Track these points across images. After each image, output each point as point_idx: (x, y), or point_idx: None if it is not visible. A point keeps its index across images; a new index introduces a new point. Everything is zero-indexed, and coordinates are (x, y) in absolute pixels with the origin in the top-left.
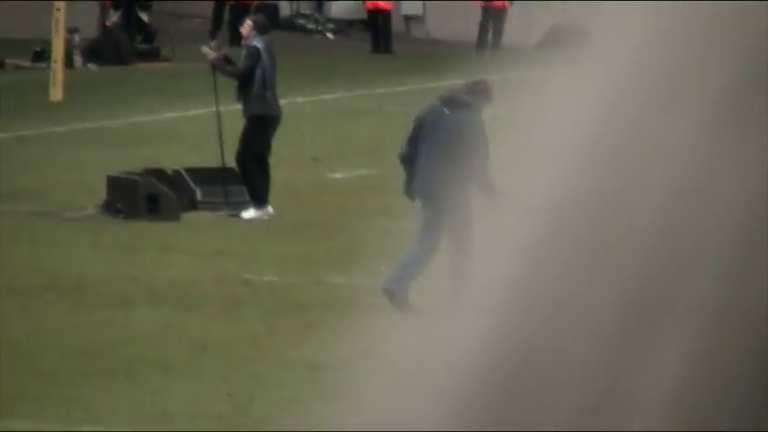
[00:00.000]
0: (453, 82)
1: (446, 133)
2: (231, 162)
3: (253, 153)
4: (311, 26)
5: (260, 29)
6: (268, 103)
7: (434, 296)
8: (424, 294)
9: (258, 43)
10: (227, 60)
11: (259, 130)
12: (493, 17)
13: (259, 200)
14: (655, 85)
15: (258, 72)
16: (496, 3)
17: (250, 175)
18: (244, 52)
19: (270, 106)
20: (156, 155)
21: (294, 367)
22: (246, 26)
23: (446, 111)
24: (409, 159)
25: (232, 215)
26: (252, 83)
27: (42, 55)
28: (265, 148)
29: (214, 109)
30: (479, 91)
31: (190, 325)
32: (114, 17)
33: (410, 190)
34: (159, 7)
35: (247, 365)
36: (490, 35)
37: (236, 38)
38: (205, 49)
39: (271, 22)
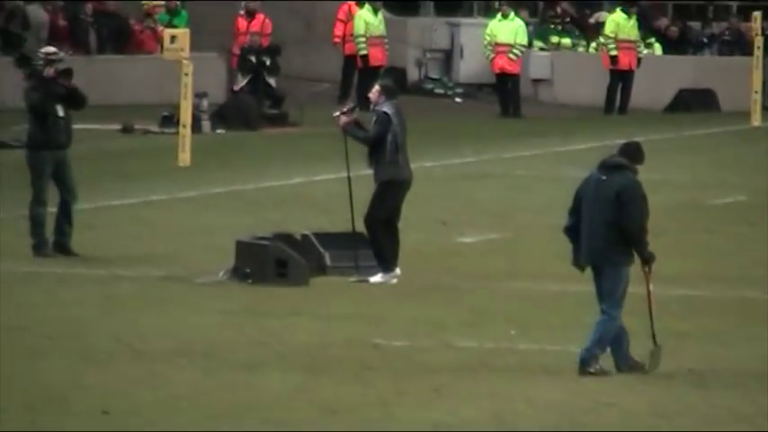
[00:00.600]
0: (581, 146)
1: (604, 199)
2: (361, 226)
3: (381, 217)
4: (439, 90)
5: (388, 93)
6: (399, 168)
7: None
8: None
9: (388, 108)
10: (358, 125)
11: (389, 195)
12: (621, 80)
13: (386, 264)
14: None
15: (389, 137)
16: (624, 66)
17: (378, 239)
18: (373, 117)
19: (401, 171)
20: (285, 219)
21: (423, 430)
22: (375, 91)
23: (603, 177)
24: (573, 230)
25: (361, 281)
26: (383, 148)
27: (170, 120)
28: (395, 213)
29: (343, 174)
30: (632, 153)
31: (319, 389)
32: (242, 82)
33: (577, 260)
34: (287, 72)
35: (377, 429)
36: (618, 98)
37: (364, 102)
38: (337, 113)
39: (399, 86)
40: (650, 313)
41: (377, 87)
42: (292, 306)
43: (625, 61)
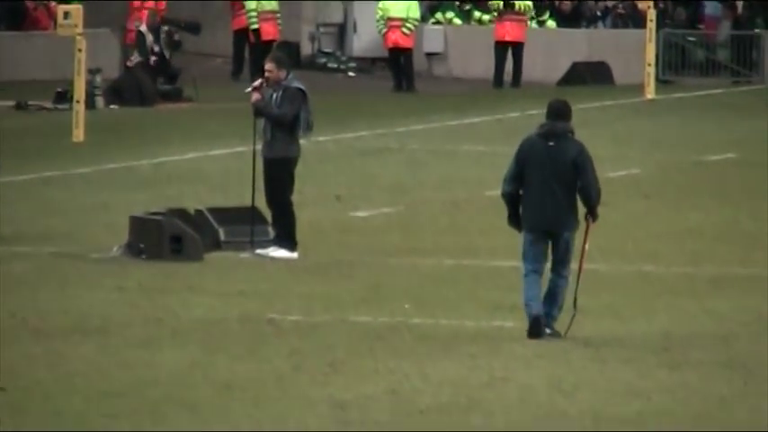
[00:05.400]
0: (475, 120)
1: (560, 166)
2: (260, 202)
3: (291, 195)
4: (333, 64)
5: (286, 65)
6: (299, 145)
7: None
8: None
9: (301, 84)
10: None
11: (291, 172)
12: (509, 52)
13: (294, 242)
14: None
15: (302, 115)
16: (512, 38)
17: (291, 217)
18: (281, 93)
19: (299, 149)
20: (181, 195)
21: (319, 406)
22: (271, 67)
23: (550, 143)
24: (515, 195)
25: (262, 255)
26: (294, 126)
27: (64, 96)
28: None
29: (238, 149)
30: (568, 112)
31: (215, 365)
32: (138, 58)
33: (516, 222)
34: (182, 48)
35: (272, 405)
36: (510, 71)
37: (260, 76)
38: (248, 89)
39: (293, 60)
40: (579, 274)
41: (271, 64)
42: (187, 282)
43: (513, 33)
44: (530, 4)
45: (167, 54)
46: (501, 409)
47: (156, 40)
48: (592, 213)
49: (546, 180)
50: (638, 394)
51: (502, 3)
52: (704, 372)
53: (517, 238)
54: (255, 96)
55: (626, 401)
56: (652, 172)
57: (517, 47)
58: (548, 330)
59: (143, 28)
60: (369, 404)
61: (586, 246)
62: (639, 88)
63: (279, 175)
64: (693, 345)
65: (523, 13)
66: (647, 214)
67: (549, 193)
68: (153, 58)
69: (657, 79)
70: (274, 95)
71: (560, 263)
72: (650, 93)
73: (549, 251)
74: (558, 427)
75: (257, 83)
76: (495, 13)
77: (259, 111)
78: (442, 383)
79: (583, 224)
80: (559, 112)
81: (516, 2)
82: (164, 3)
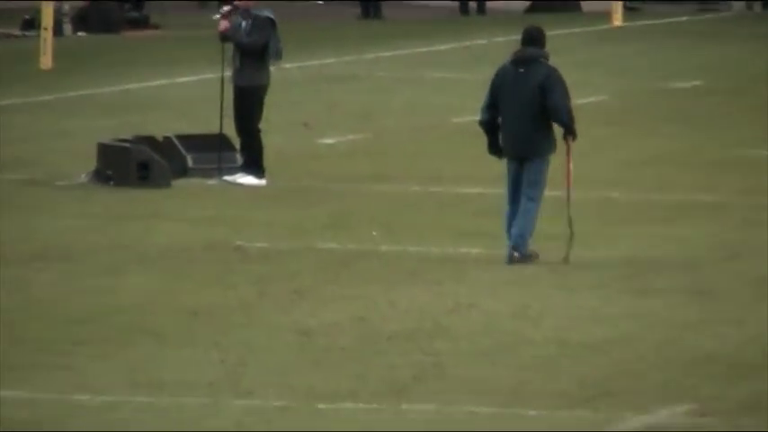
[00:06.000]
0: (442, 47)
1: (529, 91)
2: (226, 129)
3: (259, 121)
4: None
5: None
6: (269, 72)
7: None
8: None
9: (271, 13)
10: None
11: (262, 100)
12: None
13: (261, 169)
14: None
15: (272, 43)
16: None
17: (259, 144)
18: (250, 22)
19: (269, 76)
20: (147, 122)
21: (284, 333)
22: None
23: (521, 70)
24: (491, 123)
25: (231, 181)
26: (264, 54)
27: (32, 23)
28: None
29: (204, 76)
30: (540, 38)
31: (181, 292)
32: None
33: (496, 149)
34: None
35: (238, 332)
36: None
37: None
38: (217, 15)
39: None
40: (567, 195)
41: None
42: (154, 209)
43: None
44: None
45: None
46: (466, 336)
47: None
48: (570, 132)
49: (517, 106)
50: (603, 320)
51: None
52: (669, 298)
53: (484, 165)
54: (224, 24)
55: (591, 328)
56: (618, 99)
57: None
58: (516, 254)
59: None
60: (335, 331)
61: (570, 166)
62: (607, 15)
63: (249, 103)
64: (659, 271)
65: None
66: (612, 141)
67: (520, 119)
68: None
69: (625, 6)
70: (243, 24)
71: (529, 185)
72: (617, 20)
73: None
74: (523, 353)
75: (225, 10)
76: None
77: (227, 39)
78: (408, 310)
79: (562, 146)
80: (531, 38)
81: None
82: None
